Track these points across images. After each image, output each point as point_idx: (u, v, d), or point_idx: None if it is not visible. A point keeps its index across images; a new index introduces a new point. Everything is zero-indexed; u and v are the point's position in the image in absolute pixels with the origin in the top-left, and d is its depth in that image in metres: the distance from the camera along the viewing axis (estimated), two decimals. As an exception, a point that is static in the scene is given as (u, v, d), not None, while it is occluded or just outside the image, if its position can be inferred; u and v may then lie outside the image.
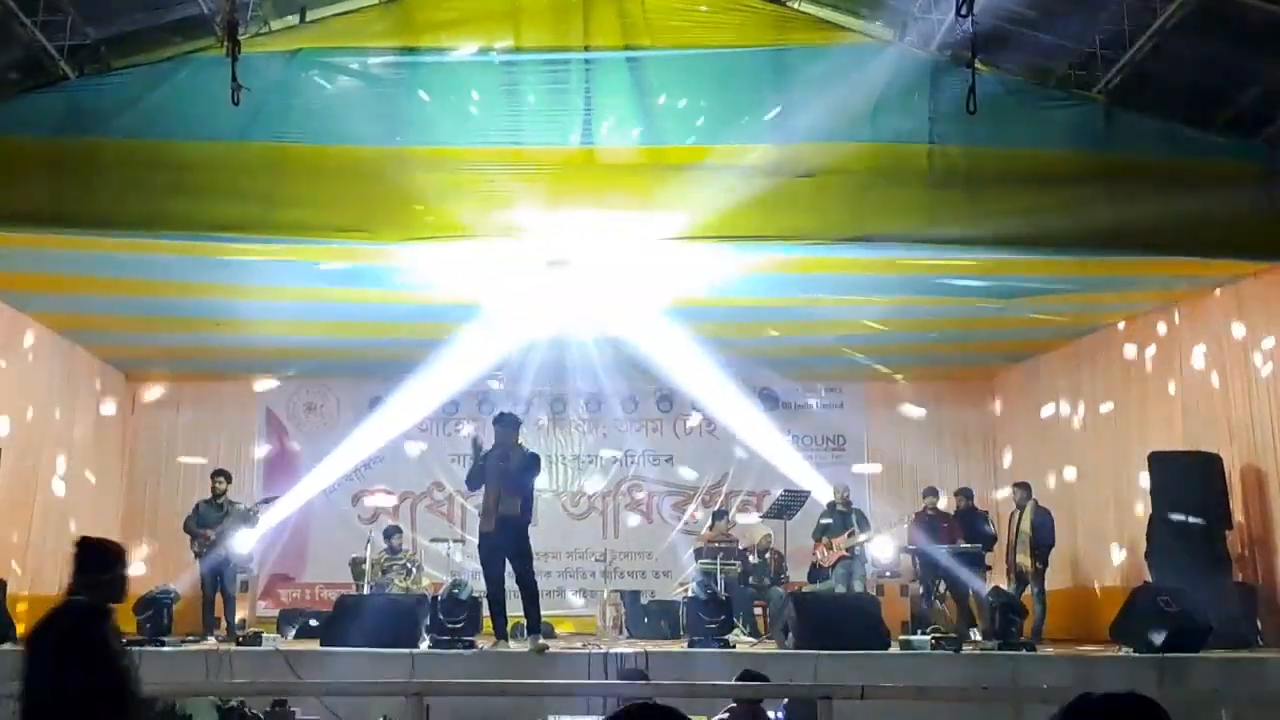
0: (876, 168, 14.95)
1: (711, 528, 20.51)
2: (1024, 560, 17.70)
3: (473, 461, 14.41)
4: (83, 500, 20.77)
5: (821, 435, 23.71)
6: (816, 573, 19.08)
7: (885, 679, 12.01)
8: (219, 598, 17.07)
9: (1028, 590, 17.43)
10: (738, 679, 10.53)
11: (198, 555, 17.08)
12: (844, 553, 18.31)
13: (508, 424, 14.49)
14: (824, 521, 18.92)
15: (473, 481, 14.50)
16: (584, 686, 12.07)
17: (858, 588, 17.99)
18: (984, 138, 14.72)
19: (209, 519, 17.15)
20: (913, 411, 23.81)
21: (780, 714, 10.68)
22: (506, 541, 14.05)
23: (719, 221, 14.60)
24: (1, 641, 13.98)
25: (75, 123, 14.49)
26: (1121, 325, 19.23)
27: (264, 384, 23.62)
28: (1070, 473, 20.47)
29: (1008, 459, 22.86)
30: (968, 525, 18.46)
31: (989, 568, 18.20)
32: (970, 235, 15.01)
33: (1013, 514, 18.32)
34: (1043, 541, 17.79)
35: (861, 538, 18.36)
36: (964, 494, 19.15)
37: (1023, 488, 18.43)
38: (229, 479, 17.93)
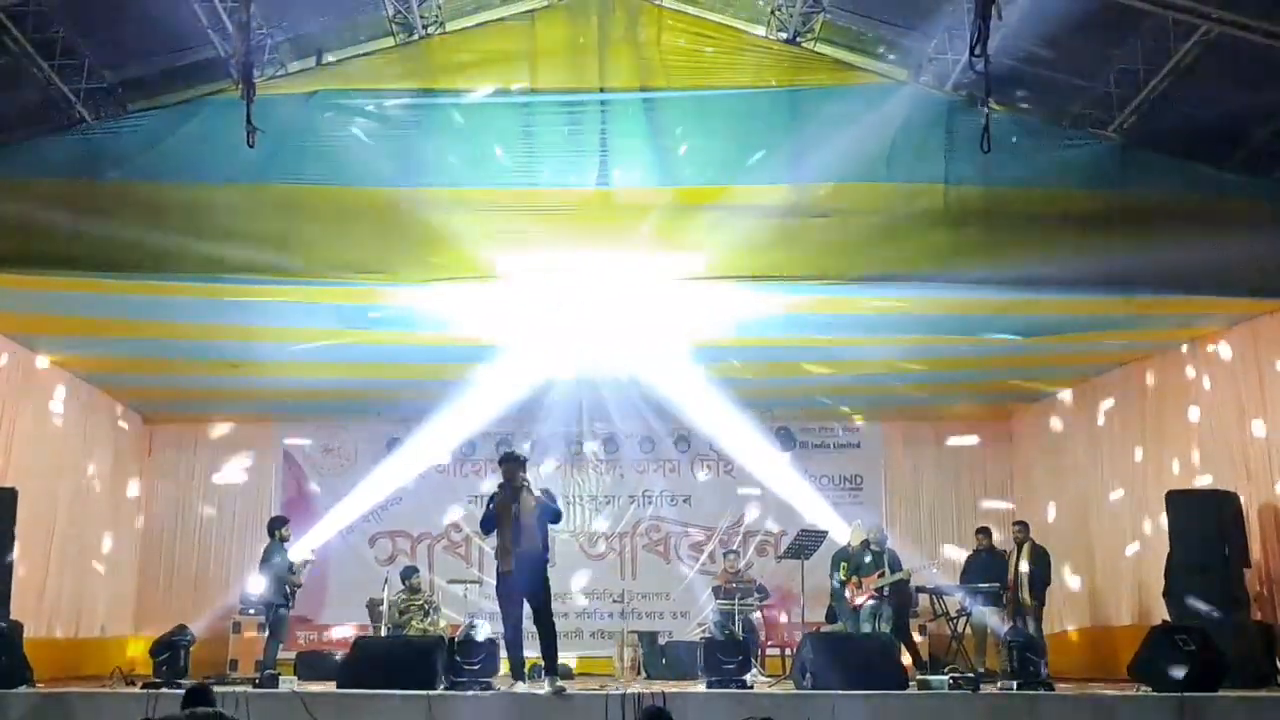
0: (893, 208, 14.98)
1: (724, 568, 20.49)
2: (1024, 598, 17.72)
3: (488, 506, 14.38)
4: (100, 542, 20.81)
5: (839, 475, 23.63)
6: (834, 613, 19.05)
7: (903, 719, 11.97)
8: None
9: (1030, 629, 17.37)
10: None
11: (283, 603, 17.27)
12: (873, 593, 18.27)
13: (514, 463, 14.43)
14: (857, 561, 18.91)
15: (486, 525, 14.46)
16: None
17: (885, 629, 17.92)
18: (1000, 177, 14.75)
19: (288, 565, 17.41)
20: (930, 451, 23.77)
21: None
22: (525, 580, 13.97)
23: (735, 262, 14.67)
24: (18, 684, 13.90)
25: (92, 165, 14.57)
26: (1138, 363, 19.17)
27: (282, 426, 23.62)
28: (1088, 511, 20.38)
29: (1025, 498, 22.76)
30: (996, 565, 18.45)
31: (1004, 606, 18.19)
32: (987, 275, 15.02)
33: (1011, 552, 18.32)
34: (1040, 580, 17.86)
35: (892, 579, 18.30)
36: (984, 533, 19.11)
37: (1021, 526, 18.60)
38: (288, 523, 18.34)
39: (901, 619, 18.53)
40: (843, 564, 18.68)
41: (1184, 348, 18.04)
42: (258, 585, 17.50)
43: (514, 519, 13.97)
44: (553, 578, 14.45)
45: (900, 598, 18.54)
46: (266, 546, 17.82)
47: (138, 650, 18.06)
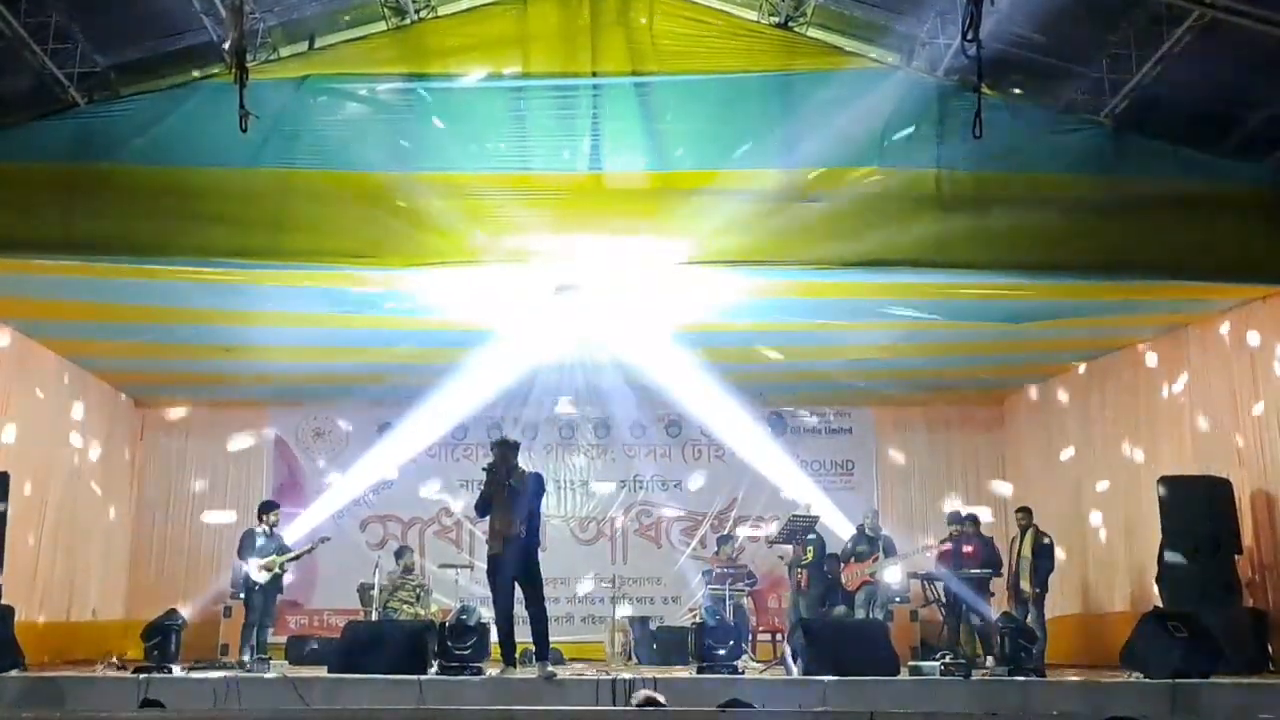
0: (884, 192, 14.96)
1: (717, 553, 20.49)
2: (1025, 586, 17.61)
3: (485, 487, 14.35)
4: (92, 526, 20.83)
5: (830, 460, 23.72)
6: (828, 597, 19.06)
7: (894, 705, 11.97)
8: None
9: (1029, 616, 17.29)
10: (720, 706, 10.46)
11: (251, 584, 17.11)
12: (867, 578, 18.30)
13: (507, 448, 14.45)
14: (852, 546, 18.94)
15: (481, 508, 14.45)
16: (593, 713, 12.04)
17: (879, 614, 17.92)
18: (992, 162, 14.75)
19: (266, 549, 17.23)
20: (922, 436, 23.79)
21: None
22: (515, 564, 13.96)
23: (726, 246, 14.66)
24: (9, 668, 13.90)
25: (85, 150, 14.55)
26: (1131, 349, 19.20)
27: (273, 410, 23.64)
28: (1080, 497, 20.42)
29: (1017, 484, 22.78)
30: (986, 549, 18.35)
31: (993, 594, 18.11)
32: (979, 260, 15.06)
33: (1014, 539, 18.25)
34: (1043, 567, 17.68)
35: (886, 564, 18.32)
36: (972, 519, 19.01)
37: (1024, 513, 18.33)
38: (279, 509, 18.13)
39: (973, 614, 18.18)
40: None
41: (1176, 333, 18.08)
42: (249, 569, 17.38)
43: (505, 503, 13.99)
44: (543, 562, 14.45)
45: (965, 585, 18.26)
46: (247, 531, 17.74)
47: (129, 634, 17.99)
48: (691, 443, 23.69)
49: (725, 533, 21.80)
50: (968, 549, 18.24)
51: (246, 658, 16.22)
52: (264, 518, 17.63)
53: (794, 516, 19.64)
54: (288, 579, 17.87)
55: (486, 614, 15.28)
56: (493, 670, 14.09)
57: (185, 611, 16.45)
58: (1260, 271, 15.36)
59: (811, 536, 19.21)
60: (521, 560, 13.98)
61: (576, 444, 23.76)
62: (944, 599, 18.34)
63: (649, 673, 14.48)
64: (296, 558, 17.72)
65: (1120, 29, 14.25)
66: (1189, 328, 17.79)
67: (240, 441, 23.62)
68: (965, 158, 14.77)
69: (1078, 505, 20.47)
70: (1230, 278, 15.70)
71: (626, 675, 13.20)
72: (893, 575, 18.47)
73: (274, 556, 17.16)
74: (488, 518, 14.38)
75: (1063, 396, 21.47)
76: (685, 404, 21.18)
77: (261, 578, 17.07)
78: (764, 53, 15.64)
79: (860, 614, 18.02)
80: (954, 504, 21.37)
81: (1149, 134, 15.26)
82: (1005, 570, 18.10)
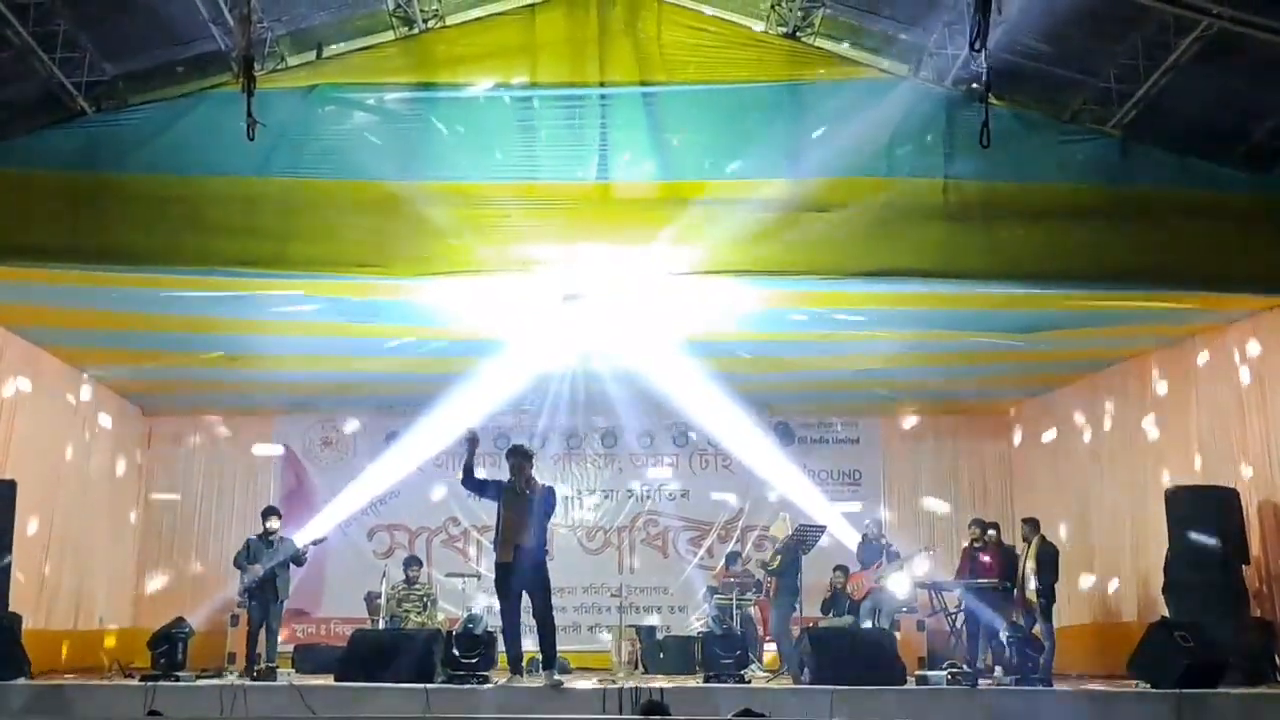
0: (892, 202, 14.93)
1: (726, 570, 20.47)
2: (1031, 596, 17.53)
3: (466, 456, 14.35)
4: (98, 535, 20.81)
5: (838, 470, 23.69)
6: (831, 605, 19.04)
7: (901, 715, 11.97)
8: (262, 632, 16.93)
9: (1036, 626, 17.22)
10: (735, 715, 10.44)
11: (246, 590, 16.98)
12: (874, 586, 18.28)
13: (523, 456, 14.46)
14: (858, 555, 18.91)
15: (469, 482, 14.42)
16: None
17: (885, 622, 17.90)
18: (1000, 172, 14.73)
19: (260, 555, 17.11)
20: (929, 446, 23.78)
21: None
22: (524, 572, 13.97)
23: (734, 256, 14.64)
24: (16, 676, 13.91)
25: (92, 158, 14.55)
26: (1138, 360, 19.17)
27: (280, 419, 23.64)
28: (1087, 507, 20.38)
29: (1024, 493, 22.75)
30: (1004, 560, 18.24)
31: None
32: (986, 270, 15.03)
33: (1024, 550, 18.19)
34: (1047, 577, 17.59)
35: (891, 572, 18.30)
36: (994, 527, 18.89)
37: (1030, 523, 18.18)
38: (280, 516, 17.85)
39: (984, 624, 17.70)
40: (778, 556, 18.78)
41: (1183, 344, 18.04)
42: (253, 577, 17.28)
43: (517, 511, 14.00)
44: (550, 571, 14.45)
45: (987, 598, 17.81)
46: (257, 537, 17.64)
47: (136, 642, 17.98)
48: (699, 452, 23.68)
49: (733, 549, 21.80)
50: (985, 559, 18.14)
51: (257, 666, 16.17)
52: (264, 524, 17.51)
53: (802, 526, 19.60)
54: (292, 587, 17.69)
55: (493, 623, 15.27)
56: (500, 679, 14.11)
57: (192, 620, 16.45)
58: (1267, 282, 15.35)
59: (780, 545, 19.11)
60: (530, 569, 13.99)
61: (584, 453, 23.75)
62: (951, 609, 18.28)
63: (656, 682, 14.47)
64: (291, 562, 17.46)
65: (1128, 39, 14.26)
66: (1196, 338, 17.75)
67: (247, 450, 23.63)
68: (972, 168, 14.76)
69: (1085, 515, 20.43)
70: (1237, 288, 15.68)
71: (633, 684, 13.21)
72: (898, 584, 18.43)
73: (257, 565, 16.99)
74: (495, 527, 14.39)
75: (1070, 406, 21.43)
76: (692, 413, 21.18)
77: (244, 583, 16.99)
78: (771, 63, 15.65)
79: (866, 623, 17.99)
80: (962, 513, 21.43)
81: (1156, 144, 15.27)
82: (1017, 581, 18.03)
